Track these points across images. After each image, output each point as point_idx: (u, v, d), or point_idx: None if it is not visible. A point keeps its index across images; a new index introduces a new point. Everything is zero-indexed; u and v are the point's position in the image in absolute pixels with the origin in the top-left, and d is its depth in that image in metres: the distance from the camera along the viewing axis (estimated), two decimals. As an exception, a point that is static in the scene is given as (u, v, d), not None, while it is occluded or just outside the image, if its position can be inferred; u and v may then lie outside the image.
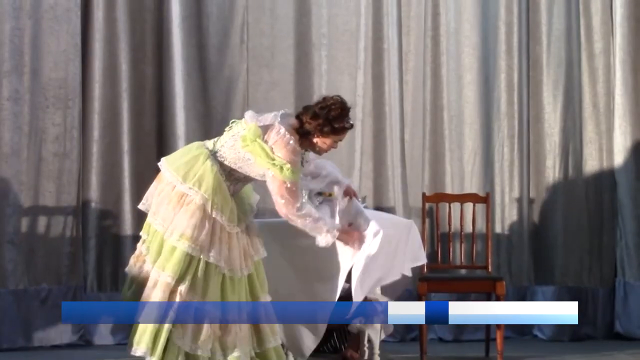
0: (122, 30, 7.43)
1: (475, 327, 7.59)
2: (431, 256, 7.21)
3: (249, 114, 5.73)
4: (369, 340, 6.40)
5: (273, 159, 5.57)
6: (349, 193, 6.08)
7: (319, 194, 6.34)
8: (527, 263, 7.79)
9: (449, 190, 7.64)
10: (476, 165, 7.78)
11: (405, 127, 7.70)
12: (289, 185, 5.59)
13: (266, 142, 5.60)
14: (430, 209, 7.42)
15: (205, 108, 7.56)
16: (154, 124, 7.53)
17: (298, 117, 5.70)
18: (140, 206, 5.81)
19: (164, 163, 5.73)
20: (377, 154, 7.67)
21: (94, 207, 7.40)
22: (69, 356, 6.81)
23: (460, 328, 7.65)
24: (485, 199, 7.04)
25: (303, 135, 5.67)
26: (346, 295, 6.08)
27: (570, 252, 7.75)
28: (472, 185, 7.73)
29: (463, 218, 7.09)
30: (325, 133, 5.66)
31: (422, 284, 6.54)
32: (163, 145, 7.47)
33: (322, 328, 5.99)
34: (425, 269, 6.83)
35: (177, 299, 5.54)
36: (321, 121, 5.63)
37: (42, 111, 7.25)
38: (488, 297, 6.81)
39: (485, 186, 7.72)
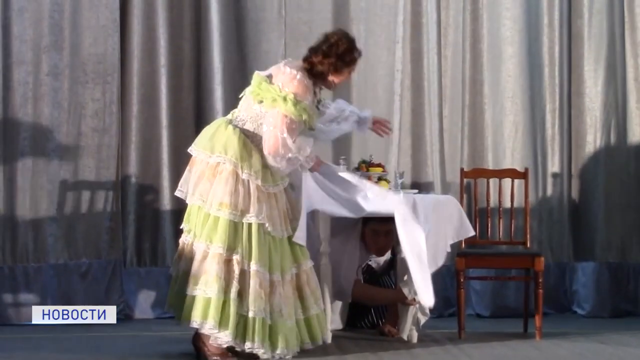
0: (160, 5, 7.45)
1: (515, 303, 7.56)
2: (469, 231, 7.18)
3: (255, 73, 5.86)
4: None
5: (279, 92, 5.65)
6: (379, 122, 6.24)
7: (357, 169, 6.37)
8: (567, 239, 7.75)
9: (487, 165, 7.60)
10: (516, 141, 7.72)
11: (444, 102, 7.67)
12: (288, 121, 5.64)
13: (273, 84, 5.71)
14: (469, 185, 7.39)
15: (243, 83, 7.50)
16: (192, 99, 7.55)
17: (306, 59, 5.79)
18: (177, 193, 5.90)
19: (192, 148, 5.82)
20: (416, 129, 7.65)
21: (133, 182, 7.45)
22: (110, 329, 6.87)
23: (499, 304, 7.63)
24: (524, 175, 6.99)
25: (316, 76, 5.78)
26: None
27: (611, 228, 7.69)
28: (511, 161, 7.68)
29: (501, 193, 7.05)
30: (339, 69, 5.78)
31: (460, 260, 6.52)
32: (201, 120, 7.48)
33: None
34: (463, 245, 6.81)
35: (236, 268, 5.60)
36: (333, 60, 5.76)
37: (82, 86, 7.29)
38: (527, 273, 6.77)
39: (525, 161, 7.67)
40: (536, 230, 7.65)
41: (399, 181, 6.53)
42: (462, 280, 6.52)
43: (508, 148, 7.73)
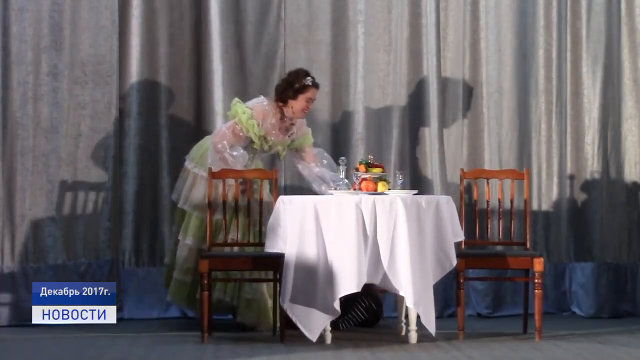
0: (160, 7, 7.46)
1: (514, 304, 7.57)
2: (469, 232, 7.19)
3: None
4: (406, 316, 6.43)
5: (244, 109, 6.75)
6: None
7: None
8: (565, 239, 7.76)
9: (487, 166, 7.62)
10: (514, 142, 7.74)
11: (443, 103, 7.67)
12: (237, 127, 6.70)
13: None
14: (468, 185, 7.40)
15: (242, 84, 7.57)
16: (191, 100, 7.56)
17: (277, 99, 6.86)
18: (173, 196, 6.95)
19: (187, 160, 6.91)
20: (415, 130, 7.65)
21: (131, 183, 7.44)
22: (110, 329, 6.86)
23: (499, 305, 7.64)
24: (523, 175, 7.00)
25: (281, 107, 6.79)
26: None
27: (610, 228, 7.71)
28: (511, 162, 7.69)
29: (501, 194, 7.06)
30: (290, 96, 6.74)
31: (459, 261, 6.51)
32: (201, 121, 7.51)
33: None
34: (462, 246, 6.82)
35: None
36: (282, 88, 6.76)
37: (81, 87, 7.30)
38: (526, 274, 6.79)
39: (524, 162, 7.69)
40: (535, 231, 7.67)
41: (399, 182, 6.54)
42: (461, 280, 6.52)
43: (506, 149, 7.74)
